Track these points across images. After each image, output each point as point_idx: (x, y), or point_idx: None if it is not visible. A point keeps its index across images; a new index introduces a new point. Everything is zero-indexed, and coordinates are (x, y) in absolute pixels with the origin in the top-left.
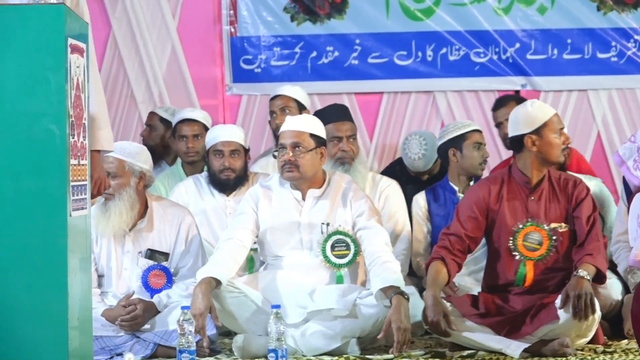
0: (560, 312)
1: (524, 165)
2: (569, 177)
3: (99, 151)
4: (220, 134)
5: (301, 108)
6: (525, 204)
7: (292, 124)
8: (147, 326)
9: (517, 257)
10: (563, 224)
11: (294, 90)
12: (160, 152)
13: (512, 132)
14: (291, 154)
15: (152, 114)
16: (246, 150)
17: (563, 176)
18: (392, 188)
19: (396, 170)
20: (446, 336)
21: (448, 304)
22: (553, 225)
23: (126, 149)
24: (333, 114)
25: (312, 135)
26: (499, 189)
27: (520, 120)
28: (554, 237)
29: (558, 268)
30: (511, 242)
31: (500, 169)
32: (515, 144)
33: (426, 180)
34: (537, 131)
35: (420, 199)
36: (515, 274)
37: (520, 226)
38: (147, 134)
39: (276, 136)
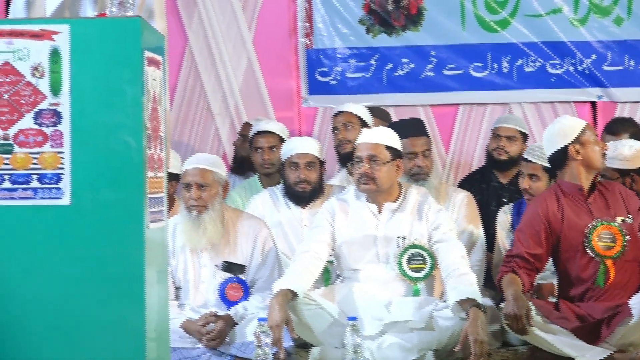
0: (635, 310)
1: (572, 176)
2: (610, 181)
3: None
4: (296, 146)
5: (363, 125)
6: (587, 208)
7: (369, 136)
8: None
9: (596, 258)
10: (629, 216)
11: (356, 107)
12: (252, 163)
13: (552, 148)
14: (367, 166)
15: (246, 124)
16: (322, 163)
17: (604, 181)
18: (466, 199)
19: (476, 179)
20: (524, 334)
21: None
22: (619, 218)
23: (210, 160)
24: (408, 129)
25: (388, 148)
26: (557, 202)
27: (558, 134)
28: (625, 231)
29: (633, 260)
30: (586, 244)
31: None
32: (559, 158)
33: (505, 188)
34: (578, 139)
35: (506, 210)
36: (594, 275)
37: (591, 227)
38: (240, 143)
39: (338, 152)
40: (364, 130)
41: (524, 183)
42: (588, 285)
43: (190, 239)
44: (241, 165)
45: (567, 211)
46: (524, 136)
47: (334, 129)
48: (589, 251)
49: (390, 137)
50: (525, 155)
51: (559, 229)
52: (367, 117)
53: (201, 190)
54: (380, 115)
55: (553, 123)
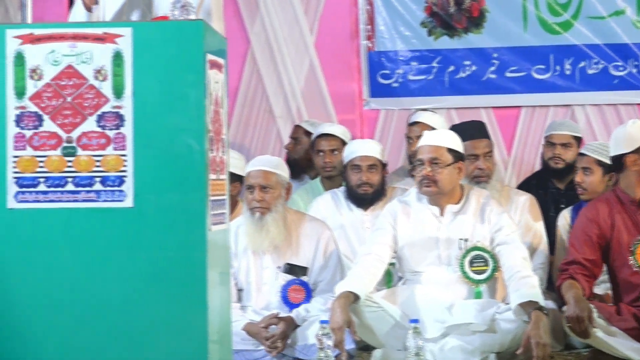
0: None
1: (627, 185)
2: None
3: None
4: (358, 148)
5: None
6: (636, 220)
7: (430, 139)
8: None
9: None
10: None
11: (433, 118)
12: (304, 166)
13: (613, 151)
14: (429, 169)
15: (297, 127)
16: (384, 165)
17: None
18: (528, 202)
19: (532, 184)
20: (586, 337)
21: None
22: None
23: (273, 162)
24: (470, 131)
25: (450, 150)
26: (608, 209)
27: (621, 140)
28: None
29: None
30: (632, 260)
31: (606, 193)
32: (617, 163)
33: (563, 193)
34: (638, 151)
35: (566, 214)
36: None
37: (636, 242)
38: (292, 146)
39: (411, 161)
40: (426, 132)
41: (577, 177)
42: (638, 296)
43: (253, 241)
44: (294, 168)
45: (617, 220)
46: (579, 140)
47: (408, 138)
48: (632, 262)
49: (451, 140)
50: (581, 150)
51: (609, 235)
52: (443, 127)
53: (264, 192)
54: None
55: (624, 125)
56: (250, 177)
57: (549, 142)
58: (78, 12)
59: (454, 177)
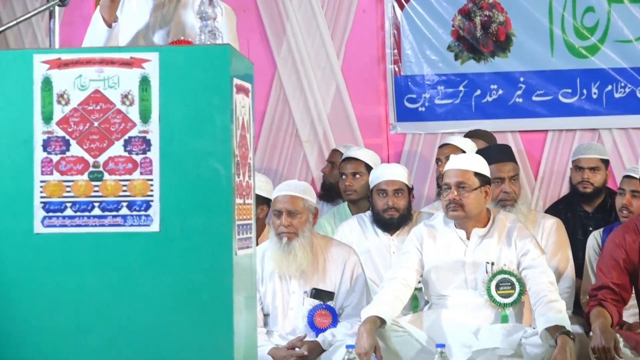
0: None
1: None
2: None
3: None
4: (384, 173)
5: None
6: None
7: (457, 162)
8: None
9: None
10: None
11: (463, 142)
12: (340, 190)
13: None
14: (456, 193)
15: (334, 151)
16: (410, 189)
17: None
18: (555, 225)
19: (560, 208)
20: None
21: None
22: None
23: (300, 187)
24: (495, 155)
25: (477, 174)
26: (635, 235)
27: None
28: None
29: None
30: None
31: (633, 218)
32: None
33: (591, 216)
34: None
35: (597, 235)
36: None
37: None
38: (329, 170)
39: (439, 184)
40: (452, 156)
41: (624, 200)
42: None
43: (280, 265)
44: (330, 192)
45: None
46: (606, 163)
47: (437, 160)
48: None
49: (478, 164)
50: (628, 173)
51: (637, 260)
52: (472, 150)
53: (291, 217)
54: (485, 137)
55: None
56: (277, 201)
57: (577, 167)
58: (98, 28)
59: (481, 201)
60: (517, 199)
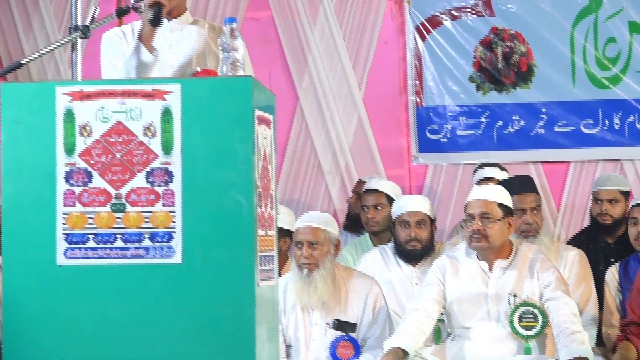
0: None
1: None
2: None
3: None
4: (406, 204)
5: None
6: None
7: (481, 193)
8: None
9: None
10: None
11: (502, 174)
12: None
13: None
14: (480, 223)
15: (360, 182)
16: (432, 220)
17: None
18: (578, 257)
19: (582, 239)
20: None
21: None
22: None
23: (321, 218)
24: (517, 186)
25: (500, 205)
26: None
27: None
28: None
29: None
30: None
31: None
32: None
33: (612, 248)
34: None
35: (614, 270)
36: None
37: None
38: (354, 201)
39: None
40: (475, 187)
41: (638, 228)
42: None
43: (301, 297)
44: (354, 223)
45: None
46: (627, 194)
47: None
48: None
49: (501, 195)
50: (638, 202)
51: None
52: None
53: (312, 248)
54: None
55: None
56: (299, 233)
57: (596, 199)
58: (141, 58)
59: (504, 232)
60: (539, 229)
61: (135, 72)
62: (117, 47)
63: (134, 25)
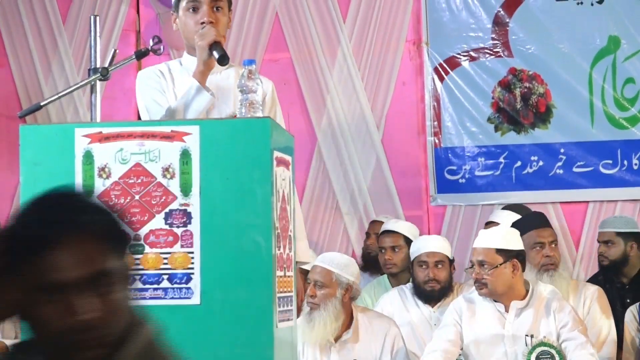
0: None
1: None
2: None
3: (296, 262)
4: (425, 245)
5: None
6: None
7: (480, 240)
8: None
9: None
10: None
11: (509, 218)
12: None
13: None
14: (478, 271)
15: (374, 223)
16: (451, 261)
17: None
18: (597, 293)
19: (599, 279)
20: None
21: None
22: None
23: (334, 260)
24: (533, 221)
25: (499, 251)
26: None
27: None
28: None
29: None
30: None
31: None
32: None
33: (627, 288)
34: None
35: (633, 310)
36: None
37: None
38: (365, 242)
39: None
40: (481, 231)
41: None
42: None
43: (303, 333)
44: (370, 263)
45: None
46: (630, 235)
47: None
48: None
49: (502, 239)
50: None
51: None
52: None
53: (317, 288)
54: (520, 211)
55: None
56: (311, 271)
57: (597, 240)
58: (199, 99)
59: (506, 278)
60: (558, 264)
61: (189, 112)
62: (156, 84)
63: (170, 64)
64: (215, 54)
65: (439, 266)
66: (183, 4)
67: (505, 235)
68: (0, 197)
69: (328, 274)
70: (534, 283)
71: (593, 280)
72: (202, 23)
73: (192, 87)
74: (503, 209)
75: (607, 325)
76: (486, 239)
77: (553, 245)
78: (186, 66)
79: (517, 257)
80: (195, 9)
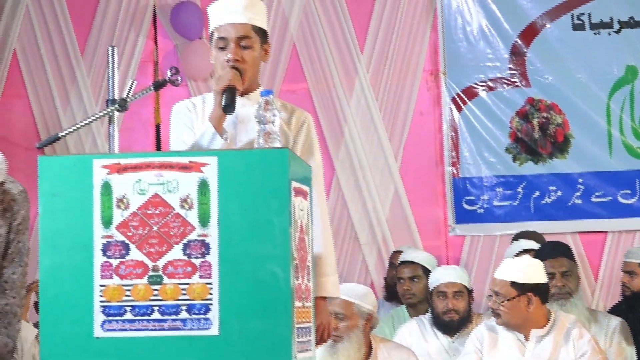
0: None
1: None
2: None
3: (324, 298)
4: (444, 275)
5: None
6: None
7: (499, 271)
8: None
9: None
10: None
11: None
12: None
13: None
14: (494, 301)
15: (395, 253)
16: (470, 291)
17: None
18: (620, 325)
19: (622, 309)
20: None
21: None
22: None
23: (354, 291)
24: (548, 252)
25: (514, 284)
26: None
27: None
28: None
29: None
30: None
31: None
32: None
33: None
34: None
35: None
36: None
37: None
38: (390, 273)
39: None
40: (503, 261)
41: None
42: None
43: None
44: (394, 293)
45: None
46: None
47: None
48: None
49: (518, 272)
50: None
51: None
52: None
53: (339, 320)
54: (534, 238)
55: None
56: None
57: (622, 270)
58: (212, 141)
59: (520, 310)
60: (571, 293)
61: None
62: (187, 120)
63: (205, 97)
64: (223, 101)
65: (458, 296)
66: (214, 41)
67: (525, 267)
68: None
69: (349, 305)
70: (554, 312)
71: (615, 309)
72: (228, 61)
73: (208, 132)
74: (515, 236)
75: (629, 356)
76: (504, 271)
77: (566, 276)
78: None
79: (532, 291)
80: (223, 48)
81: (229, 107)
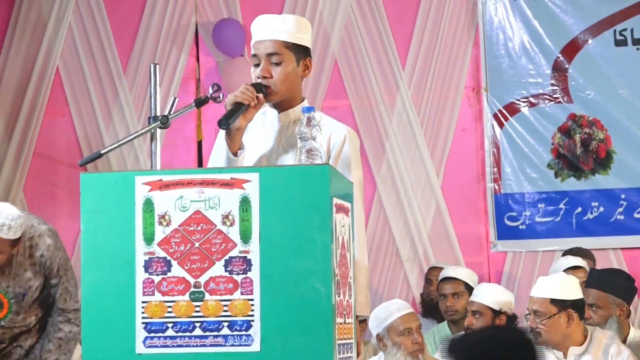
0: None
1: None
2: None
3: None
4: (484, 292)
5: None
6: None
7: (536, 289)
8: None
9: None
10: None
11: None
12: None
13: None
14: (533, 319)
15: (434, 269)
16: (510, 318)
17: None
18: None
19: None
20: None
21: None
22: None
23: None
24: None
25: (554, 301)
26: None
27: None
28: None
29: None
30: None
31: None
32: None
33: None
34: None
35: None
36: None
37: None
38: (427, 289)
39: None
40: (539, 279)
41: None
42: None
43: None
44: (431, 310)
45: None
46: None
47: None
48: None
49: (558, 288)
50: None
51: None
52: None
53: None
54: (584, 255)
55: None
56: (408, 318)
57: None
58: (224, 155)
59: (560, 328)
60: (602, 325)
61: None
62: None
63: (266, 110)
64: (225, 114)
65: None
66: (251, 58)
67: (561, 284)
68: None
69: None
70: (592, 329)
71: None
72: (258, 77)
73: (223, 155)
74: (565, 252)
75: None
76: (542, 288)
77: (593, 308)
78: (266, 117)
79: (572, 306)
80: (257, 64)
81: (221, 123)
